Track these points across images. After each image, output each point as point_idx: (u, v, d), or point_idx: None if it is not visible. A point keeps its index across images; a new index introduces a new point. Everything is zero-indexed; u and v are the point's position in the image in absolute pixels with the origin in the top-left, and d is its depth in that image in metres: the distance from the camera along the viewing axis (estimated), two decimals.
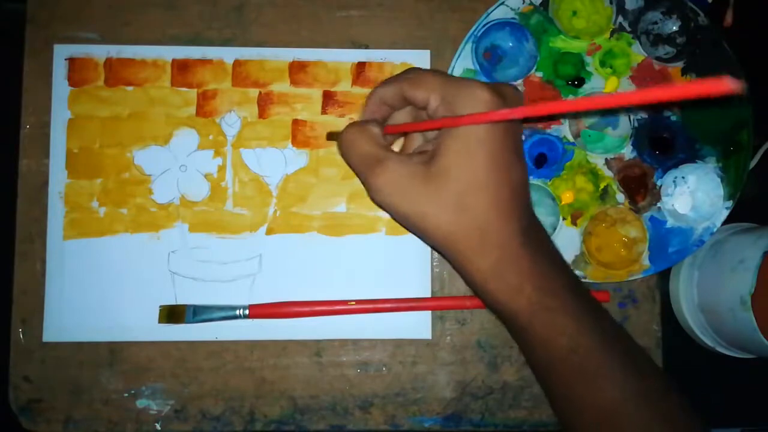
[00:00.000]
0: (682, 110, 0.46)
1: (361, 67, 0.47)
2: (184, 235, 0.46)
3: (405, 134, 0.40)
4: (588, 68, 0.45)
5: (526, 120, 0.43)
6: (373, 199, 0.34)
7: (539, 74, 0.45)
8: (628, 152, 0.45)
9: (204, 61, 0.47)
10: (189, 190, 0.46)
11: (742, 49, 0.45)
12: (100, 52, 0.46)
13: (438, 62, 0.47)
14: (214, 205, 0.46)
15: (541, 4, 0.45)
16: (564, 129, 0.45)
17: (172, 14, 0.47)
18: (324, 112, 0.47)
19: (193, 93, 0.46)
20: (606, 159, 0.45)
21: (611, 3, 0.45)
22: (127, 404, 0.45)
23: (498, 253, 0.33)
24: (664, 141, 0.46)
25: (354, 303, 0.45)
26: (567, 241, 0.44)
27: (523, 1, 0.45)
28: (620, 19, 0.46)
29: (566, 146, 0.45)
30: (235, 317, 0.44)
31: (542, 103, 0.44)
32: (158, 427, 0.45)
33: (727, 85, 0.19)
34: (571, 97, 0.45)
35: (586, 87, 0.45)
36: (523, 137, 0.44)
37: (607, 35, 0.45)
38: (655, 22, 0.46)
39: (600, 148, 0.46)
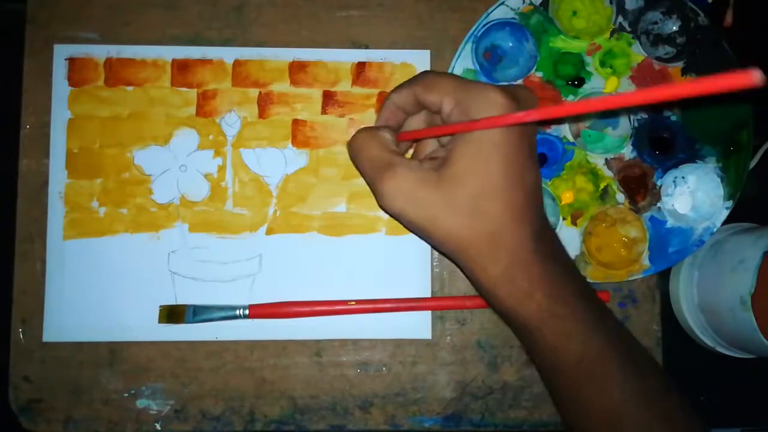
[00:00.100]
0: (683, 110, 0.46)
1: (361, 67, 0.47)
2: (184, 235, 0.46)
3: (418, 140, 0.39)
4: (588, 68, 0.45)
5: (541, 122, 0.43)
6: (381, 206, 0.34)
7: (539, 74, 0.45)
8: (628, 152, 0.45)
9: (204, 61, 0.47)
10: (189, 190, 0.46)
11: (742, 49, 0.45)
12: (100, 52, 0.46)
13: (438, 62, 0.47)
14: (214, 205, 0.46)
15: (541, 4, 0.45)
16: (564, 129, 0.45)
17: (172, 14, 0.47)
18: (324, 112, 0.47)
19: (193, 93, 0.46)
20: (606, 159, 0.45)
21: (611, 3, 0.45)
22: (127, 404, 0.45)
23: (509, 259, 0.32)
24: (664, 141, 0.46)
25: (354, 303, 0.45)
26: (567, 241, 0.44)
27: (523, 1, 0.45)
28: (620, 19, 0.46)
29: (566, 146, 0.45)
30: (235, 317, 0.44)
31: (558, 105, 0.43)
32: (158, 427, 0.45)
33: (754, 77, 0.19)
34: (571, 97, 0.45)
35: (586, 87, 0.45)
36: None
37: (607, 35, 0.45)
38: (655, 22, 0.46)
39: (600, 148, 0.46)
